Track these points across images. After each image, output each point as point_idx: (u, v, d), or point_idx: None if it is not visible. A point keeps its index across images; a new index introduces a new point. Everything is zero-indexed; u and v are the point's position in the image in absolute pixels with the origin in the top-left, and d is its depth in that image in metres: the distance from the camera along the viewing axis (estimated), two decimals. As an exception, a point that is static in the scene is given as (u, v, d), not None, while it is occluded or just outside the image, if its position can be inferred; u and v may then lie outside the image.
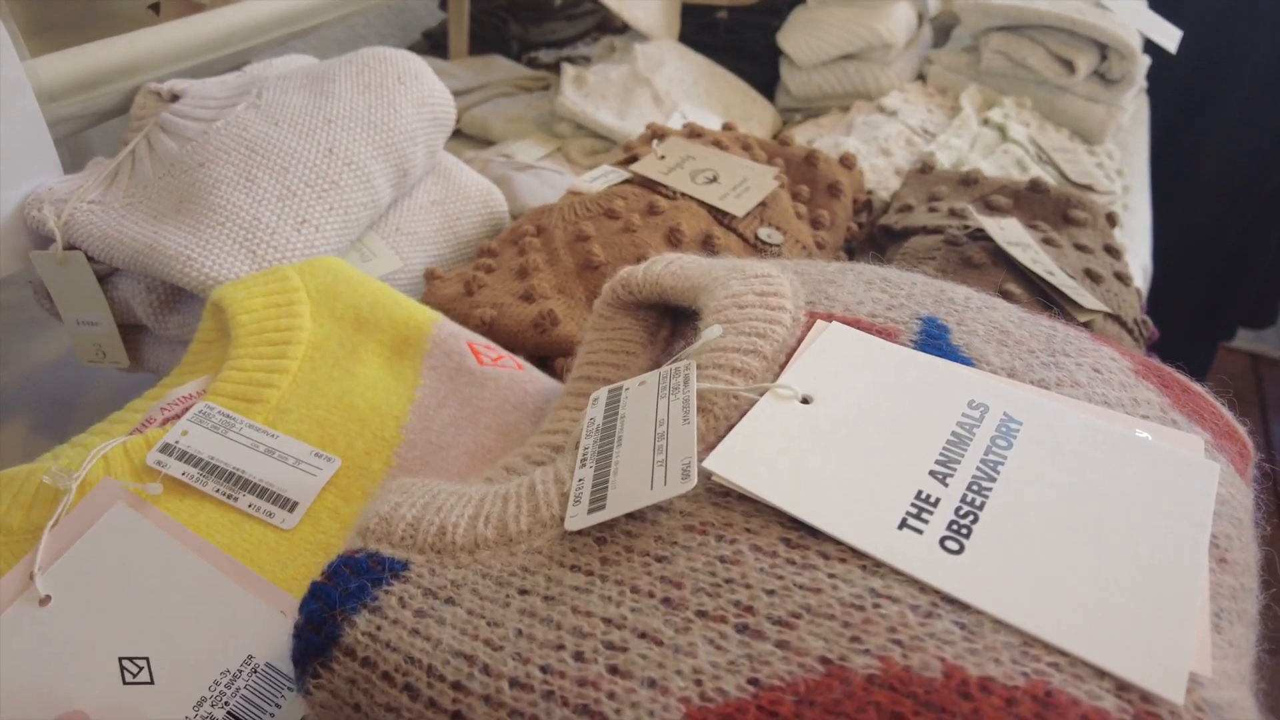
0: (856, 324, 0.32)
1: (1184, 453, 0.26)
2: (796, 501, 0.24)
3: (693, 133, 0.77)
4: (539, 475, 0.28)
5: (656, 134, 0.78)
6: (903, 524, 0.23)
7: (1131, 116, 1.12)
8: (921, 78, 1.07)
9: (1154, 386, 0.31)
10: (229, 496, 0.38)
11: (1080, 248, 0.66)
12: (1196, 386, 0.32)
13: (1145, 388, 0.31)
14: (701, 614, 0.22)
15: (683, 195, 0.66)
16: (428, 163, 0.62)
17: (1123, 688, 0.20)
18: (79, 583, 0.34)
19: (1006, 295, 0.55)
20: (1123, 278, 0.65)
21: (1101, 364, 0.31)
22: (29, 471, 0.38)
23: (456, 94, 1.09)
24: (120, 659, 0.32)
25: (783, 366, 0.30)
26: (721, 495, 0.25)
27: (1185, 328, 1.64)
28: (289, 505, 0.38)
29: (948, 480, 0.24)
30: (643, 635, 0.22)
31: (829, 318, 0.32)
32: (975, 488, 0.24)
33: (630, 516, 0.25)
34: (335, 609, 0.25)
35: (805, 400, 0.28)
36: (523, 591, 0.24)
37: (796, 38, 1.02)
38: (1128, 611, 0.21)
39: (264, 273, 0.47)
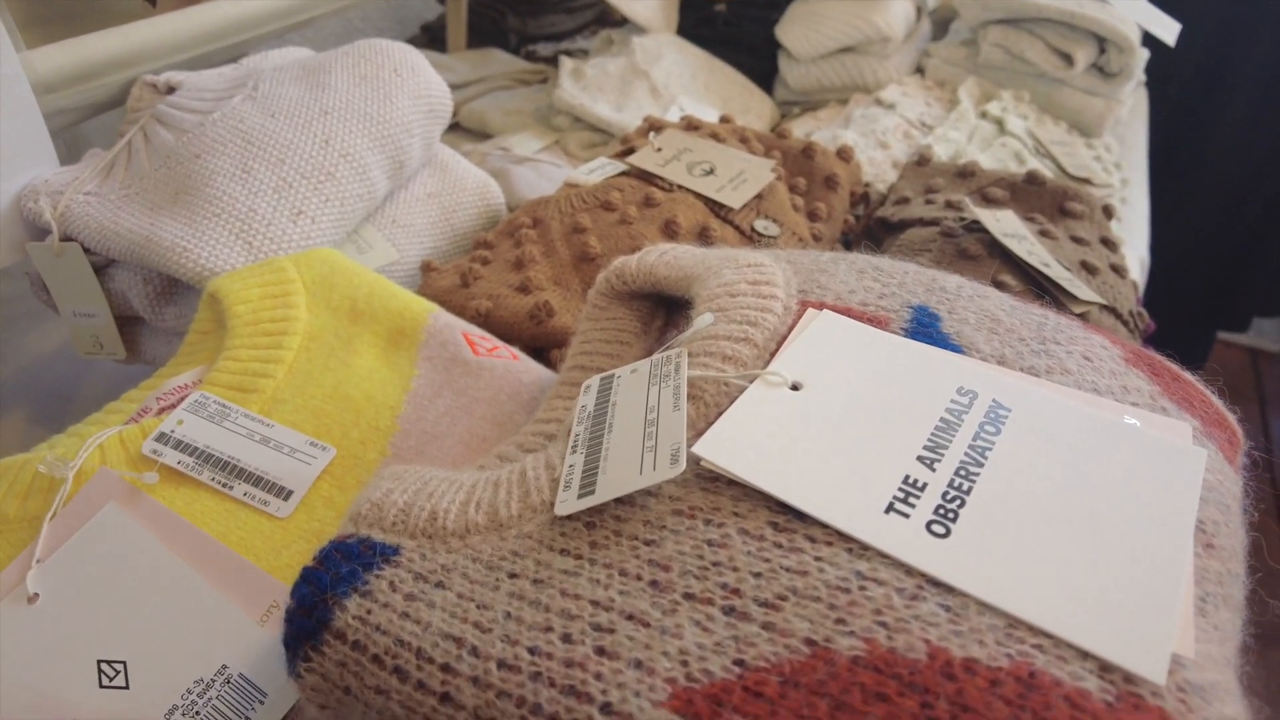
0: (848, 312, 0.32)
1: (1172, 439, 0.26)
2: (784, 486, 0.24)
3: (690, 125, 0.77)
4: (530, 461, 0.28)
5: (653, 126, 0.78)
6: (890, 508, 0.23)
7: (1130, 110, 1.12)
8: (920, 71, 1.07)
9: (1144, 374, 0.31)
10: (224, 485, 0.38)
11: (1077, 240, 0.66)
12: (1186, 375, 0.33)
13: (1135, 375, 0.31)
14: (689, 596, 0.22)
15: (679, 187, 0.66)
16: (424, 155, 0.62)
17: (1105, 669, 0.20)
18: (68, 581, 0.35)
19: (1001, 286, 0.55)
20: (1119, 270, 0.65)
21: (1092, 352, 0.31)
22: (24, 461, 0.38)
23: (454, 87, 1.09)
24: (99, 662, 0.32)
25: (774, 354, 0.30)
26: (710, 480, 0.25)
27: (1186, 320, 1.64)
28: (284, 494, 0.38)
29: (935, 465, 0.25)
30: (630, 617, 0.22)
31: (820, 306, 0.32)
32: (963, 473, 0.24)
33: (620, 501, 0.25)
34: (326, 593, 0.25)
35: (795, 387, 0.28)
36: (512, 575, 0.24)
37: (795, 31, 1.02)
38: (1112, 594, 0.21)
39: (260, 264, 0.48)
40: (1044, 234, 0.65)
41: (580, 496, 0.25)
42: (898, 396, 0.27)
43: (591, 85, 0.96)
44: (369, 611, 0.24)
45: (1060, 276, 0.56)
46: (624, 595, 0.22)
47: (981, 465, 0.25)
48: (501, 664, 0.22)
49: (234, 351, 0.43)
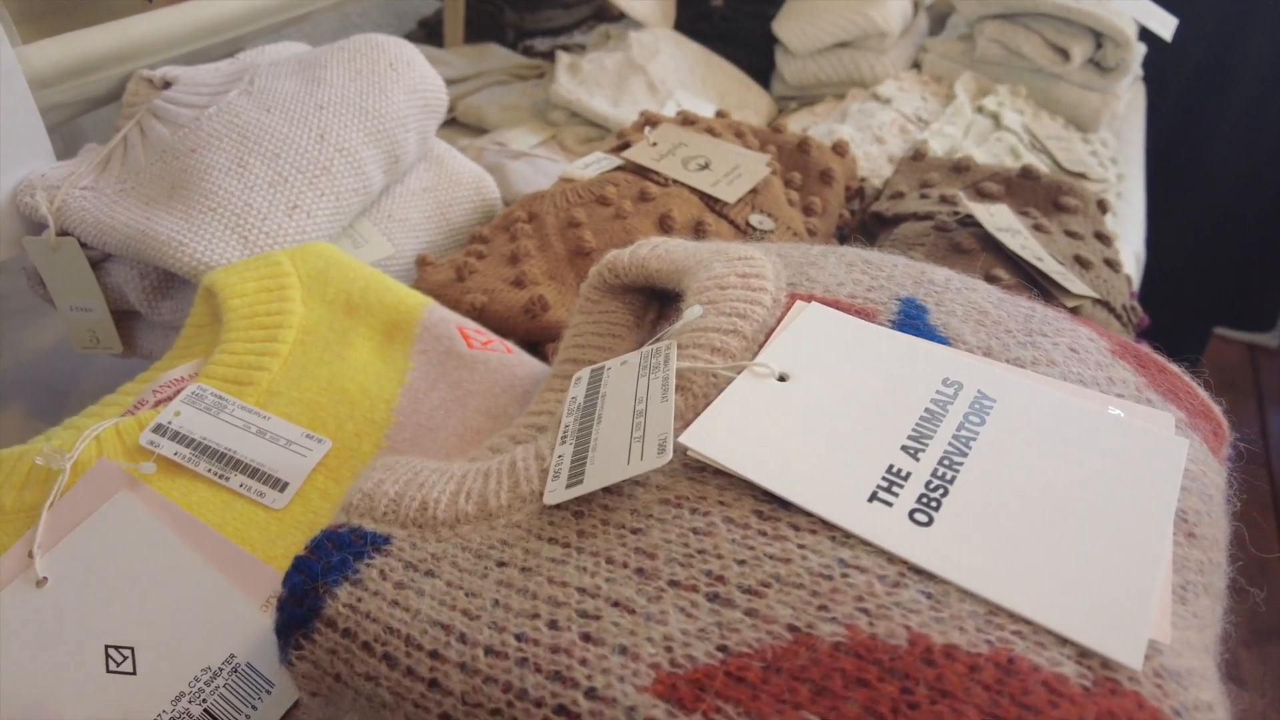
0: (836, 304, 0.32)
1: (1154, 429, 0.26)
2: (769, 475, 0.24)
3: (685, 120, 0.78)
4: (520, 452, 0.28)
5: (649, 121, 0.78)
6: (873, 497, 0.23)
7: (1127, 105, 1.12)
8: (917, 66, 1.07)
9: (1130, 366, 0.31)
10: (220, 476, 0.38)
11: (1071, 234, 0.66)
12: (1173, 366, 0.33)
13: (1122, 367, 0.31)
14: (674, 583, 0.22)
15: (674, 182, 0.66)
16: (420, 149, 0.62)
17: (1084, 655, 0.20)
18: (77, 567, 0.35)
19: (994, 281, 0.55)
20: (1112, 264, 0.65)
21: (1079, 343, 0.31)
22: (21, 452, 0.38)
23: (452, 82, 1.09)
24: (106, 646, 0.33)
25: (762, 346, 0.30)
26: (697, 470, 0.25)
27: (1184, 316, 1.64)
28: (280, 485, 0.38)
29: (919, 455, 0.25)
30: (616, 604, 0.22)
31: (809, 298, 0.33)
32: (946, 462, 0.25)
33: (608, 491, 0.26)
34: (317, 581, 0.25)
35: (782, 378, 0.28)
36: (501, 564, 0.24)
37: (792, 25, 1.02)
38: (1091, 581, 0.21)
39: (256, 258, 0.48)
40: (1038, 228, 0.65)
41: (569, 486, 0.25)
42: (884, 387, 0.27)
43: (588, 80, 0.96)
44: (359, 599, 0.25)
45: (1053, 270, 0.56)
46: (610, 583, 0.23)
47: (965, 455, 0.25)
48: (489, 650, 0.22)
49: (230, 345, 0.43)
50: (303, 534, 0.37)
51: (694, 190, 0.66)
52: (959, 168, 0.72)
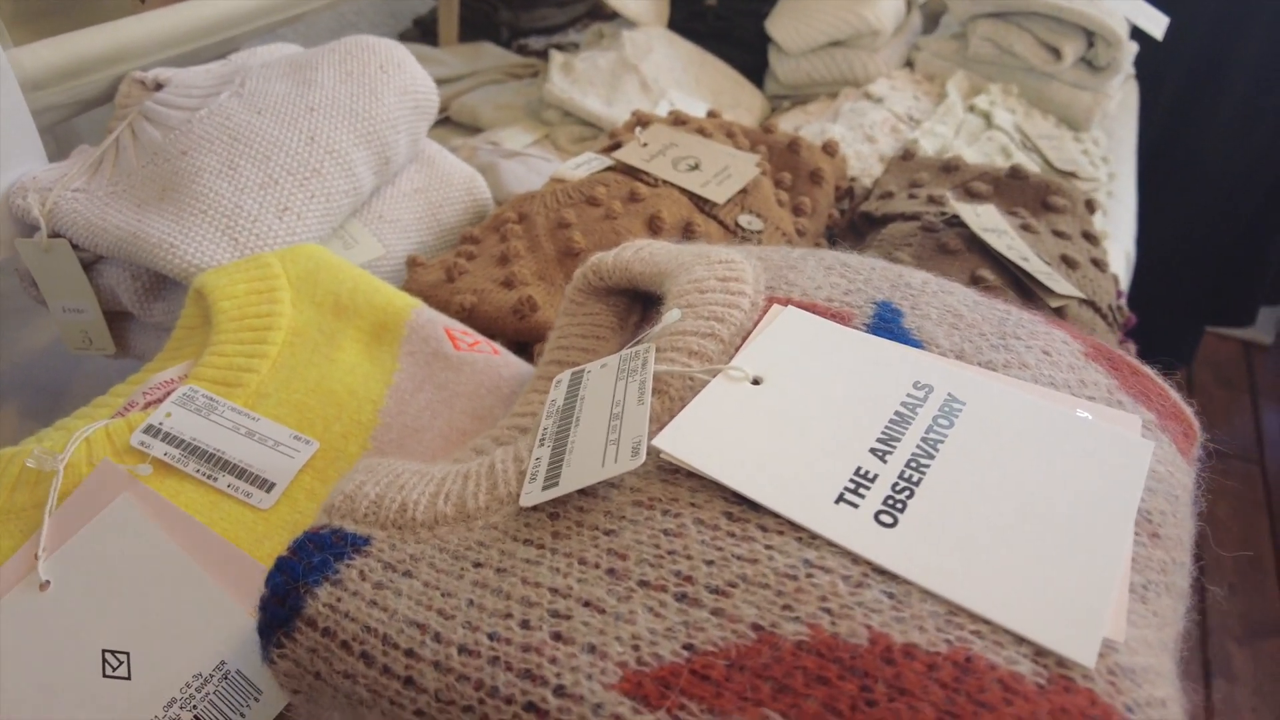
0: (813, 308, 0.33)
1: (1120, 431, 0.27)
2: (739, 477, 0.24)
3: (677, 120, 0.78)
4: (499, 454, 0.29)
5: (641, 121, 0.78)
6: (840, 498, 0.24)
7: (1119, 104, 1.13)
8: (910, 65, 1.07)
9: (1103, 368, 0.32)
10: (209, 476, 0.39)
11: (1058, 234, 0.66)
12: (1145, 369, 0.33)
13: (1094, 370, 0.31)
14: (644, 583, 0.23)
15: (664, 182, 0.67)
16: (411, 150, 0.63)
17: (1040, 653, 0.21)
18: (79, 570, 0.35)
19: (979, 281, 0.56)
20: (1099, 264, 0.65)
21: (1052, 347, 0.32)
22: (12, 454, 0.39)
23: (446, 81, 1.10)
24: (104, 651, 0.33)
25: (739, 349, 0.31)
26: (671, 472, 0.26)
27: (1178, 314, 1.64)
28: (267, 486, 0.39)
29: (887, 457, 0.25)
30: (587, 604, 0.23)
31: (787, 302, 0.33)
32: (914, 464, 0.25)
33: (583, 493, 0.26)
34: (298, 582, 0.26)
35: (756, 381, 0.28)
36: (477, 564, 0.25)
37: (784, 24, 1.02)
38: (1049, 581, 0.22)
39: (246, 260, 0.48)
40: (1026, 228, 0.65)
41: (545, 488, 0.26)
42: (855, 390, 0.28)
43: (581, 79, 0.96)
44: (339, 599, 0.25)
45: (1039, 271, 0.57)
46: (582, 583, 0.23)
47: (932, 457, 0.25)
48: (462, 649, 0.22)
49: (219, 347, 0.44)
50: (289, 534, 0.37)
51: (684, 191, 0.66)
52: (948, 167, 0.72)
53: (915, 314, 0.32)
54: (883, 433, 0.26)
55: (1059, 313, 0.58)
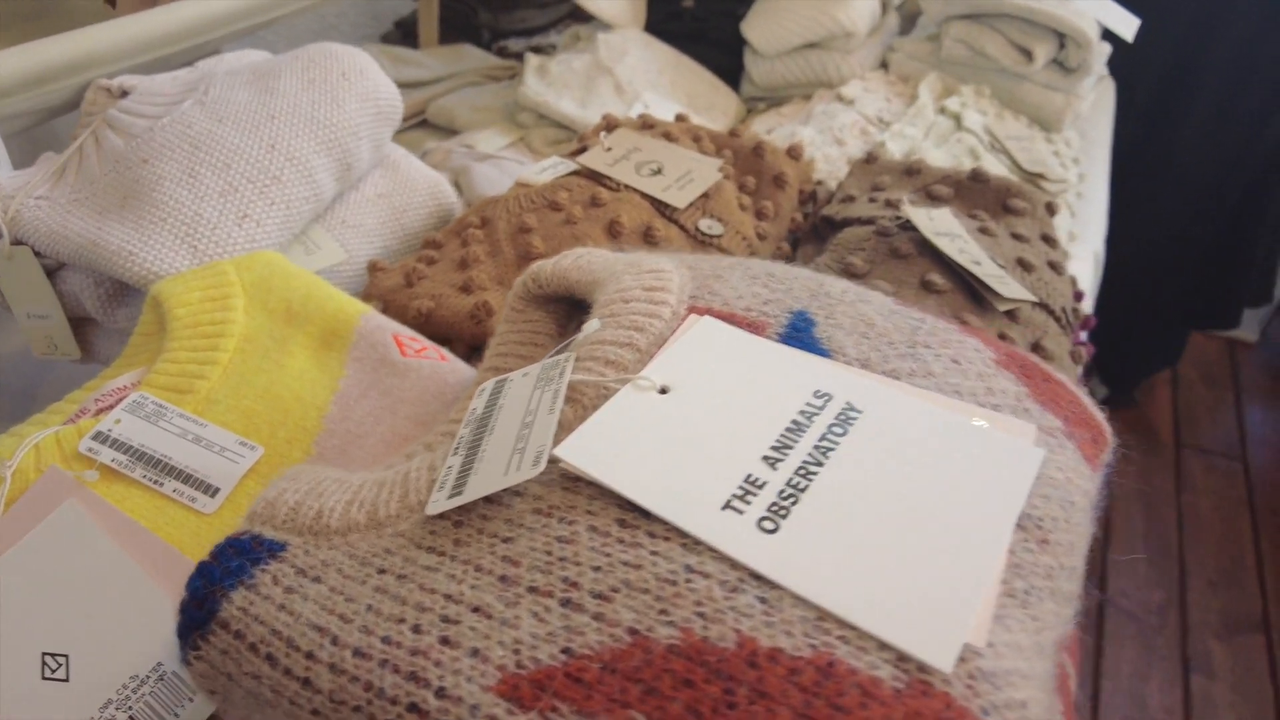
0: (731, 317, 0.33)
1: (1011, 439, 0.28)
2: (632, 485, 0.25)
3: (645, 124, 0.79)
4: (415, 463, 0.30)
5: (610, 125, 0.79)
6: (727, 505, 0.25)
7: (1093, 104, 1.13)
8: (885, 66, 1.08)
9: (1014, 376, 0.32)
10: (155, 482, 0.40)
11: (1017, 237, 0.67)
12: (1058, 376, 0.34)
13: (1004, 377, 0.32)
14: (533, 589, 0.24)
15: (626, 187, 0.68)
16: (374, 156, 0.64)
17: (902, 658, 0.21)
18: (23, 573, 0.36)
19: (929, 285, 0.56)
20: (1055, 266, 0.66)
21: (962, 355, 0.32)
22: (-35, 459, 0.40)
23: (425, 83, 1.11)
24: (44, 654, 0.34)
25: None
26: (572, 480, 0.27)
27: (1162, 315, 1.65)
28: (211, 490, 0.40)
29: (778, 465, 0.26)
30: (476, 609, 0.24)
31: (707, 311, 0.34)
32: (803, 472, 0.26)
33: (488, 501, 0.27)
34: (215, 586, 0.27)
35: (664, 390, 0.29)
36: (381, 571, 0.26)
37: (759, 27, 1.03)
38: (918, 587, 0.23)
39: (202, 268, 0.49)
40: (984, 231, 0.66)
41: (450, 497, 0.27)
42: (757, 399, 0.29)
43: (556, 82, 0.97)
44: (251, 603, 0.26)
45: (989, 274, 0.57)
46: (475, 589, 0.24)
47: (822, 465, 0.26)
48: (356, 651, 0.23)
49: (172, 354, 0.45)
50: (231, 537, 0.38)
51: (645, 195, 0.67)
52: (910, 170, 0.73)
53: (828, 323, 0.33)
54: (777, 440, 0.27)
55: (1010, 315, 0.58)
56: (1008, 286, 0.57)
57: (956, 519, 0.25)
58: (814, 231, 0.73)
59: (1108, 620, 1.43)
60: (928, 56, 1.05)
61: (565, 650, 0.22)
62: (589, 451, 0.27)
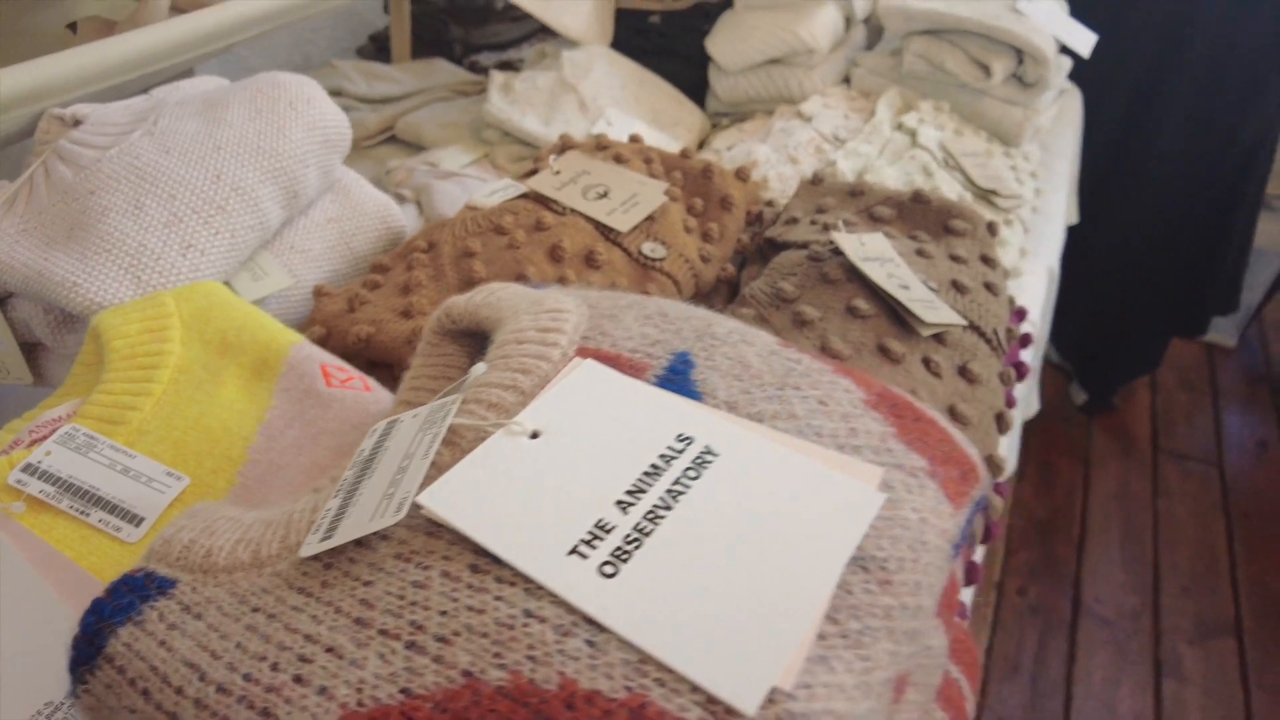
0: (616, 359, 0.35)
1: (852, 483, 0.29)
2: (486, 531, 0.27)
3: (600, 145, 0.80)
4: (300, 504, 0.32)
5: (566, 146, 0.81)
6: (573, 550, 0.26)
7: (1056, 117, 1.14)
8: (848, 80, 1.09)
9: (882, 416, 0.34)
10: (81, 512, 0.41)
11: (955, 258, 0.68)
12: (930, 414, 0.36)
13: (872, 418, 0.34)
14: (383, 631, 0.25)
15: (572, 211, 0.69)
16: (322, 183, 0.65)
17: (711, 700, 0.23)
18: None
19: (854, 311, 0.58)
20: (992, 288, 0.67)
21: (831, 396, 0.34)
22: (-99, 490, 0.41)
23: (395, 99, 1.12)
24: None
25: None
26: (436, 526, 0.28)
27: (1142, 324, 1.66)
28: (135, 520, 0.41)
29: (629, 509, 0.28)
30: (330, 649, 0.25)
31: (595, 352, 0.36)
32: (651, 516, 0.28)
33: (358, 544, 0.29)
34: (105, 622, 0.29)
35: (535, 435, 0.31)
36: (255, 609, 0.28)
37: (722, 43, 1.04)
38: (737, 630, 0.24)
39: (142, 299, 0.51)
40: (921, 253, 0.67)
41: (322, 539, 0.28)
42: (622, 443, 0.30)
43: (520, 99, 0.98)
44: (136, 639, 0.28)
45: (916, 299, 0.59)
46: (331, 630, 0.26)
47: (670, 509, 0.28)
48: (220, 688, 0.25)
49: (107, 385, 0.47)
50: (154, 565, 0.40)
51: (590, 219, 0.69)
52: (855, 192, 0.74)
53: (706, 365, 0.34)
54: (633, 485, 0.29)
55: (938, 339, 0.60)
56: (933, 311, 0.59)
57: (787, 562, 0.26)
58: (759, 253, 0.74)
59: (1081, 627, 1.45)
60: (889, 71, 1.06)
61: (404, 690, 0.24)
62: (451, 497, 0.28)
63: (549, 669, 0.23)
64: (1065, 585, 1.51)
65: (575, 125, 0.97)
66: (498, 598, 0.25)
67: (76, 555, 0.40)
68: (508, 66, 1.18)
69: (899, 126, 0.95)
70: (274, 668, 0.25)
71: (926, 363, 0.57)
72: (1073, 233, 1.41)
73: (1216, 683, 1.36)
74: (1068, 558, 1.55)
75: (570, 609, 0.25)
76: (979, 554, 0.67)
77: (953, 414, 0.55)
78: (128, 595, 0.29)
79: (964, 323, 0.61)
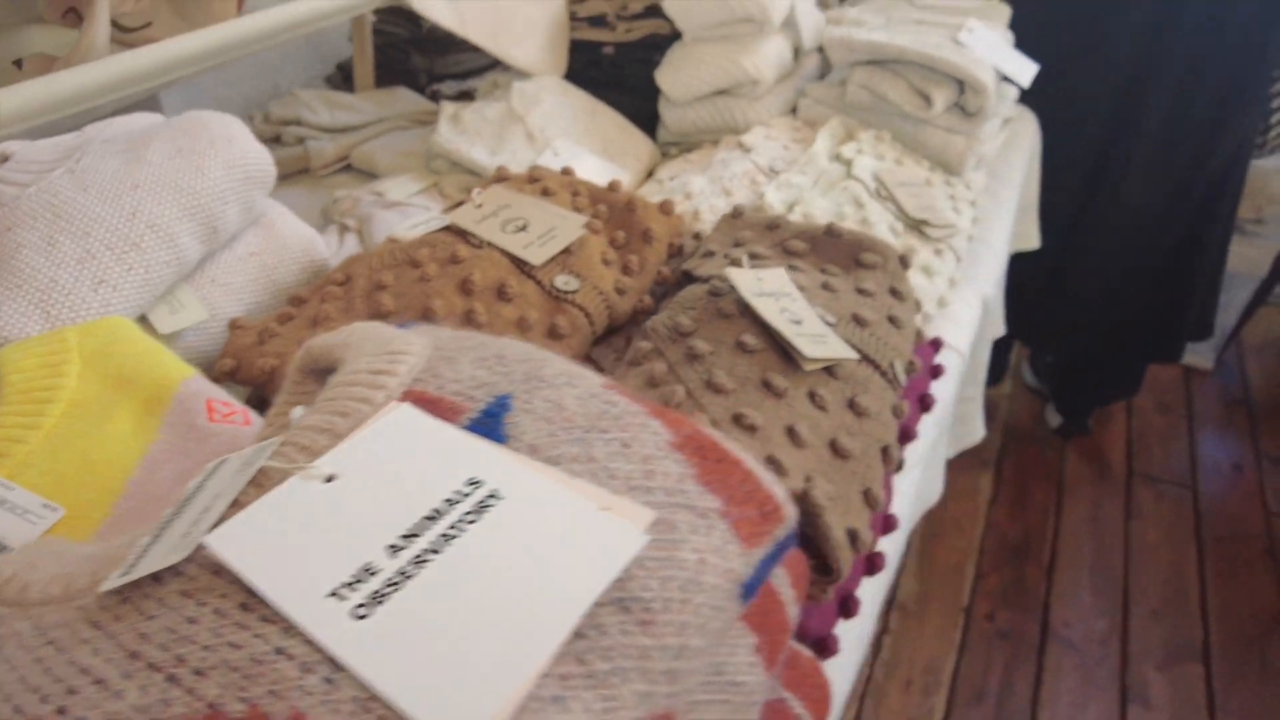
0: (437, 403, 0.37)
1: (618, 524, 0.31)
2: (257, 571, 0.29)
3: (532, 178, 0.82)
4: (124, 539, 0.34)
5: (501, 177, 0.83)
6: (333, 593, 0.28)
7: (1006, 144, 1.16)
8: (794, 111, 1.11)
9: (684, 458, 0.35)
10: (-44, 541, 0.44)
11: (861, 291, 0.70)
12: (735, 455, 0.37)
13: (672, 460, 0.35)
14: (150, 665, 0.27)
15: (489, 244, 0.71)
16: (244, 218, 0.68)
17: (426, 736, 0.25)
18: None
19: (742, 345, 0.59)
20: (895, 321, 0.69)
21: (637, 439, 0.35)
22: None
23: (355, 128, 1.15)
24: None
25: (352, 443, 0.35)
26: (223, 564, 0.30)
27: (1118, 350, 1.66)
28: (3, 550, 0.43)
29: (399, 553, 0.29)
30: (98, 681, 0.27)
31: (420, 395, 0.37)
32: (419, 560, 0.29)
33: (155, 579, 0.30)
34: (-80, 653, 0.31)
35: (330, 479, 0.33)
36: (48, 643, 0.29)
37: (671, 74, 1.06)
38: (466, 670, 0.26)
39: (46, 334, 0.53)
40: (826, 286, 0.69)
41: (122, 575, 0.30)
42: (411, 487, 0.32)
43: (469, 130, 1.01)
44: (-57, 670, 0.30)
45: (805, 334, 0.60)
46: (107, 663, 0.28)
47: (439, 553, 0.30)
48: (-6, 720, 0.27)
49: (0, 419, 0.49)
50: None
51: (505, 252, 0.71)
52: (771, 226, 0.76)
53: (524, 408, 0.36)
54: (409, 529, 0.30)
55: (830, 372, 0.61)
56: (821, 346, 0.60)
57: (533, 604, 0.28)
58: (678, 285, 0.76)
59: (1048, 651, 1.44)
60: (835, 101, 1.08)
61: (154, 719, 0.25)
62: (235, 538, 0.30)
63: (285, 703, 0.25)
64: (1034, 609, 1.50)
65: (522, 156, 0.99)
66: (256, 634, 0.27)
67: (-50, 583, 0.42)
68: (469, 96, 1.20)
69: (837, 157, 0.97)
70: (43, 699, 0.27)
71: (812, 396, 0.59)
72: (1047, 259, 1.42)
73: (1183, 709, 1.35)
74: (1037, 582, 1.54)
75: (317, 648, 0.27)
76: (878, 582, 0.68)
77: (834, 447, 0.57)
78: (-52, 626, 0.31)
79: (855, 356, 0.62)
